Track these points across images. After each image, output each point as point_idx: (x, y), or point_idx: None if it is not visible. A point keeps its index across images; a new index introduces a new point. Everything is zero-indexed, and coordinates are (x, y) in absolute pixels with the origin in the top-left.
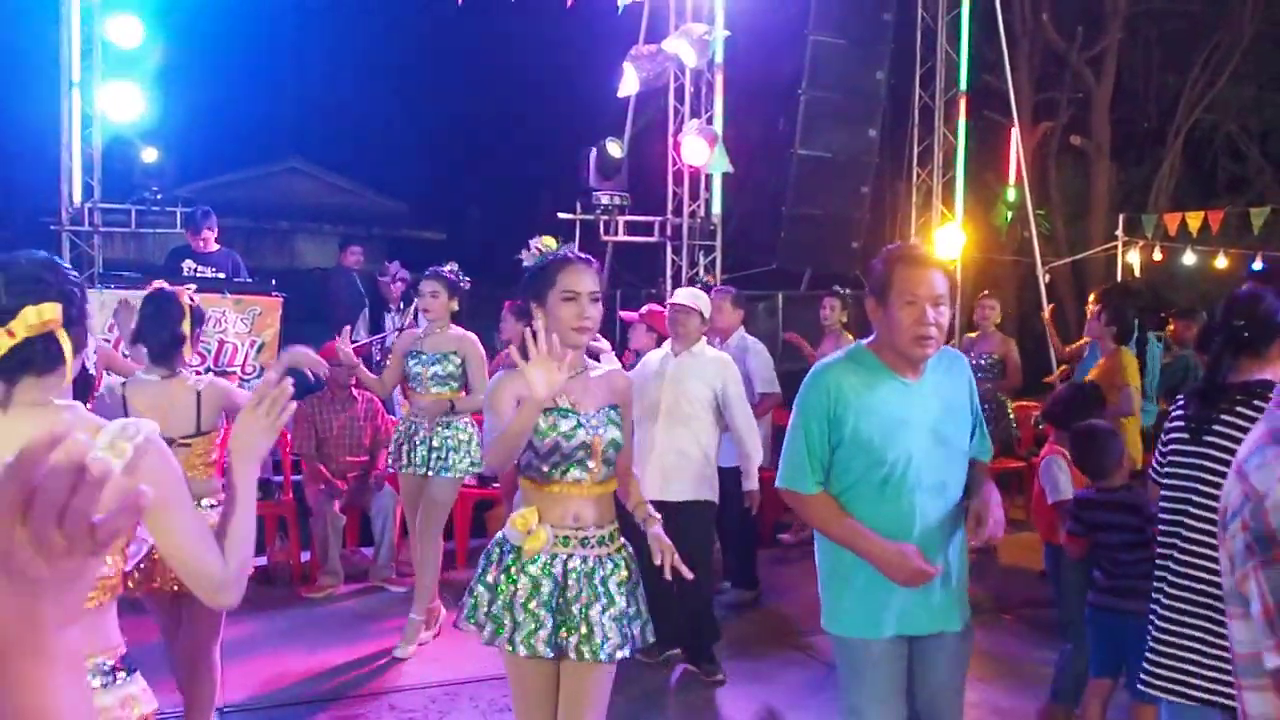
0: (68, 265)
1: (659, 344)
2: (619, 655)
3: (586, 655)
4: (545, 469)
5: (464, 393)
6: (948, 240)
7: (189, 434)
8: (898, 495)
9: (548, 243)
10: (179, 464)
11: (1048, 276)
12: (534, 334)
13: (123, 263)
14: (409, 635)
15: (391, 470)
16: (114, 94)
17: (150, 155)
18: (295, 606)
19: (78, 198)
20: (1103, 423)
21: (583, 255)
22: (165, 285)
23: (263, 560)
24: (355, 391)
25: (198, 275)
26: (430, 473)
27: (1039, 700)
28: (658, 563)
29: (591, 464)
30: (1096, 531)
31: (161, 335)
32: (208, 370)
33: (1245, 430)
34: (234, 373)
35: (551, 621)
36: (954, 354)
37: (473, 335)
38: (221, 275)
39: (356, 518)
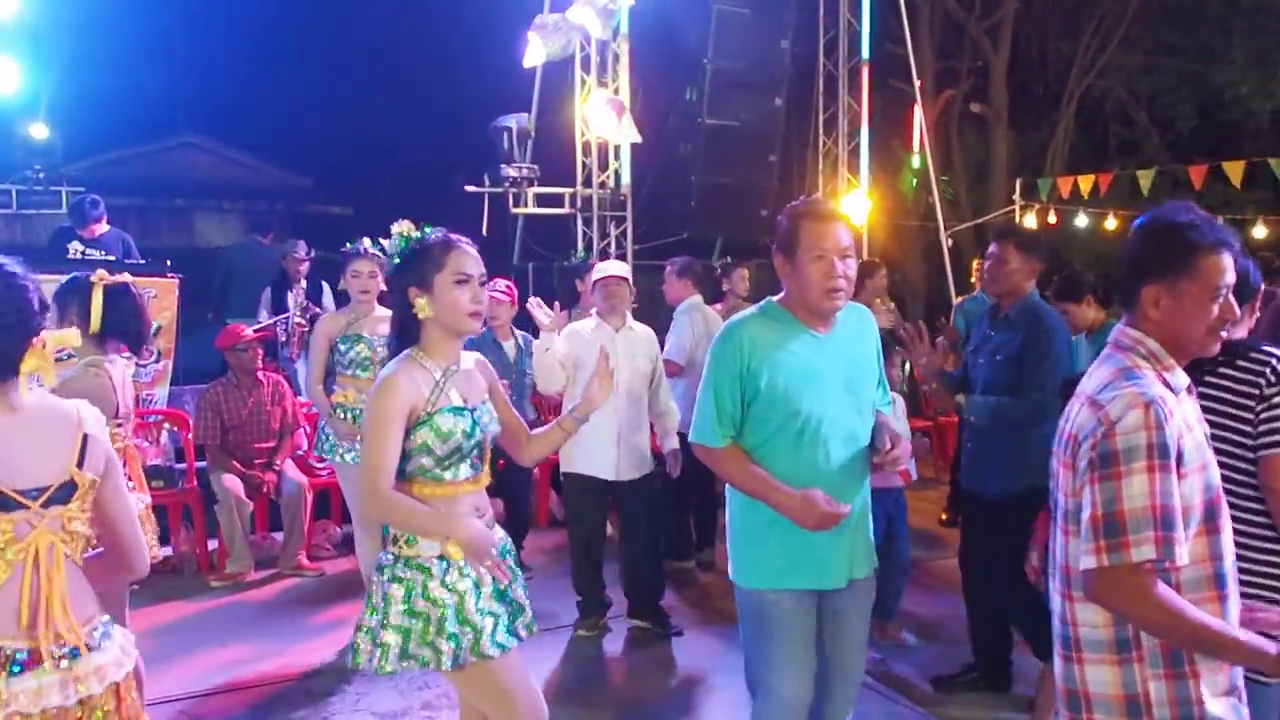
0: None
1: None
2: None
3: (526, 633)
4: (440, 472)
5: None
6: (854, 207)
7: None
8: (813, 446)
9: (408, 228)
10: None
11: (950, 240)
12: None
13: (7, 246)
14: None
15: (327, 459)
16: None
17: (36, 132)
18: (204, 595)
19: None
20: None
21: (460, 237)
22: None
23: (168, 550)
24: (261, 375)
25: (85, 258)
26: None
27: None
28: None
29: (482, 457)
30: None
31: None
32: None
33: (1234, 391)
34: (130, 357)
35: (505, 610)
36: (859, 308)
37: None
38: (112, 258)
39: (264, 504)
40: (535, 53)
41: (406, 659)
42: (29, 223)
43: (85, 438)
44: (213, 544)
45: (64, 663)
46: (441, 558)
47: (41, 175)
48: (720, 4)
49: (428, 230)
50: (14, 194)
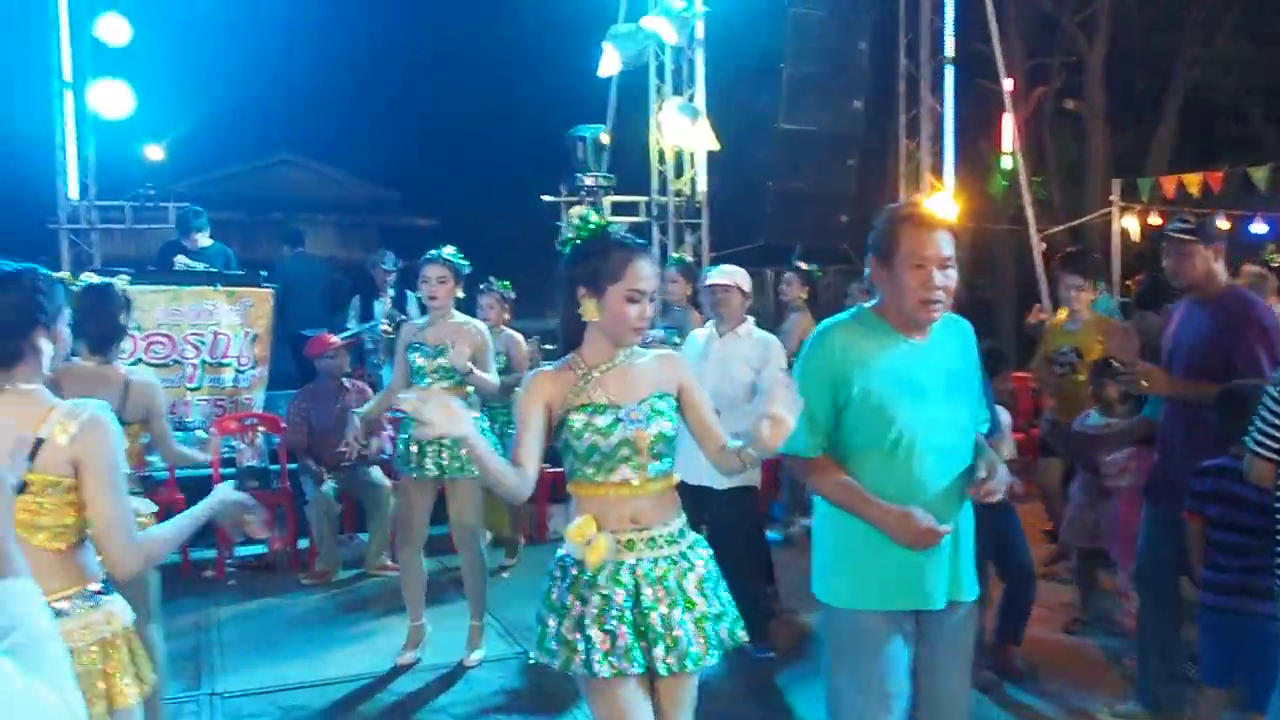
0: (41, 270)
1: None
2: (707, 661)
3: (674, 666)
4: (589, 471)
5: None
6: (939, 210)
7: None
8: (908, 458)
9: (589, 215)
10: (122, 443)
11: (1043, 244)
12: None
13: (121, 259)
14: (472, 641)
15: (400, 474)
16: (105, 93)
17: (147, 153)
18: (295, 592)
19: (74, 196)
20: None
21: (645, 243)
22: (94, 277)
23: (263, 549)
24: (347, 382)
25: (190, 269)
26: (446, 476)
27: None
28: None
29: (639, 460)
30: (1218, 506)
31: (101, 326)
32: (204, 363)
33: None
34: (229, 364)
35: (630, 635)
36: (957, 319)
37: (478, 322)
38: (215, 269)
39: (352, 506)
40: (610, 62)
41: (542, 649)
42: (141, 237)
43: (38, 440)
44: (304, 543)
45: None
46: (579, 563)
47: (152, 193)
48: (795, 7)
49: (610, 226)
50: (127, 210)
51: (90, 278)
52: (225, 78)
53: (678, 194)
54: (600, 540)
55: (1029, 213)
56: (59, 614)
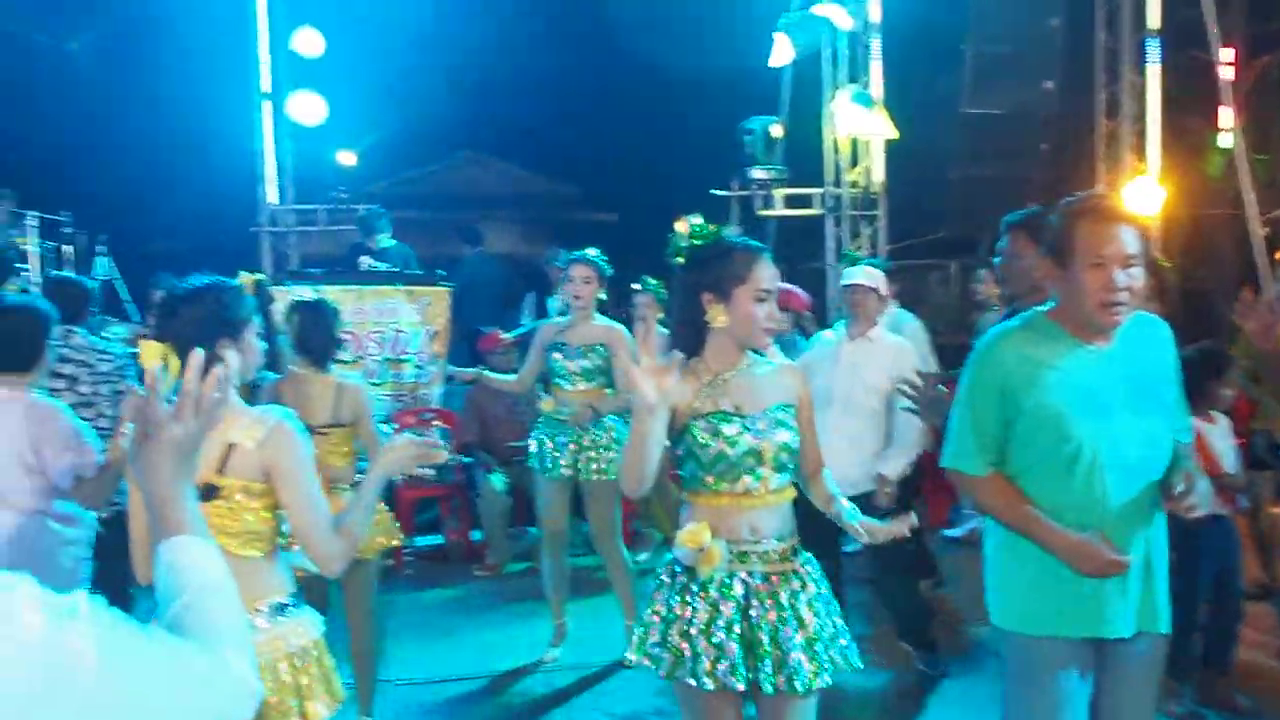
0: (228, 282)
1: (793, 324)
2: (818, 684)
3: (782, 687)
4: (711, 480)
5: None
6: (1141, 195)
7: (326, 424)
8: (1088, 475)
9: (702, 224)
10: (308, 445)
11: (1266, 230)
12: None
13: (317, 259)
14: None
15: (534, 467)
16: (301, 102)
17: (340, 158)
18: (467, 582)
19: (273, 200)
20: None
21: (764, 245)
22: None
23: (439, 539)
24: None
25: (373, 269)
26: (581, 477)
27: None
28: (865, 540)
29: (763, 471)
30: None
31: (320, 339)
32: (385, 360)
33: None
34: (409, 361)
35: (738, 650)
36: (1152, 319)
37: (621, 326)
38: (396, 269)
39: (524, 499)
40: (782, 51)
41: (643, 652)
42: (335, 238)
43: (229, 445)
44: (478, 535)
45: None
46: (689, 570)
47: (345, 195)
48: None
49: (724, 231)
50: (321, 213)
51: (304, 293)
52: (412, 83)
53: (853, 185)
54: (714, 548)
55: (1250, 196)
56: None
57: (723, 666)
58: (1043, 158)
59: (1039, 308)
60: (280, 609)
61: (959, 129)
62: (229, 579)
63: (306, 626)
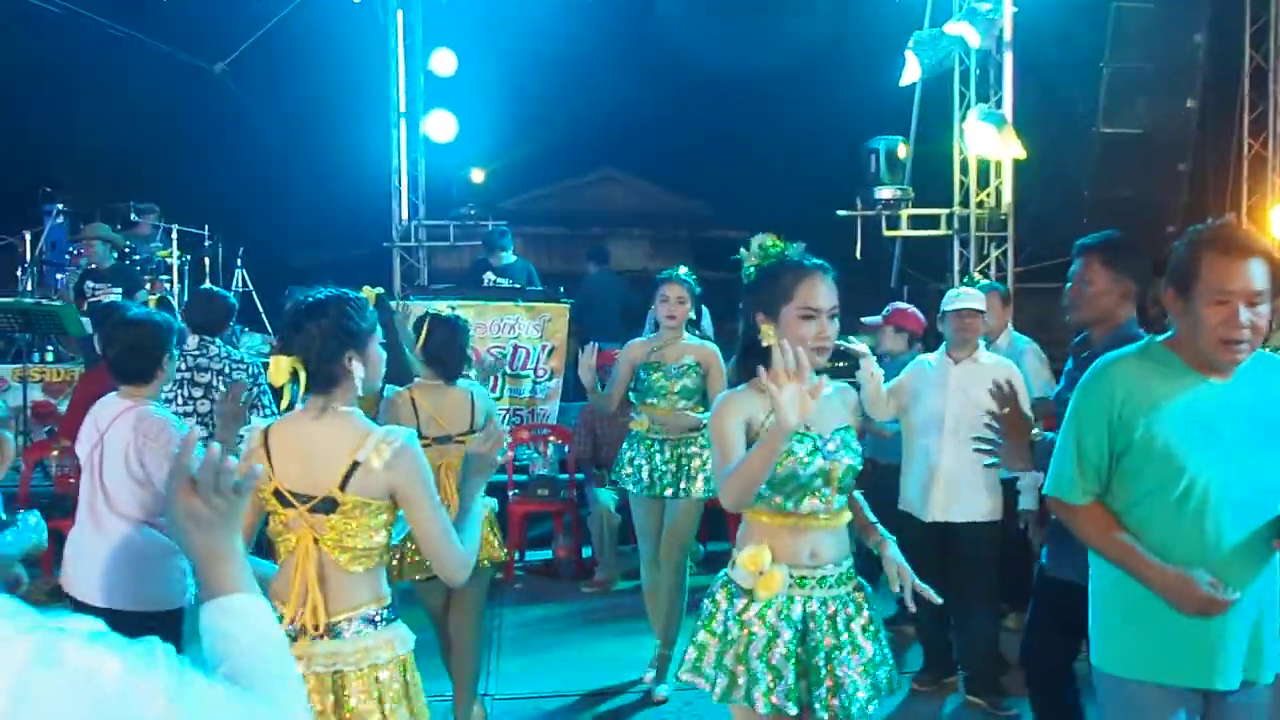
0: (351, 294)
1: (909, 345)
2: (871, 709)
3: (838, 713)
4: (778, 500)
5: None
6: None
7: (464, 432)
8: (1200, 513)
9: (771, 242)
10: (428, 463)
11: None
12: (787, 351)
13: (445, 274)
14: (658, 672)
15: (625, 489)
16: (435, 121)
17: (474, 176)
18: (574, 598)
19: (405, 217)
20: None
21: (821, 262)
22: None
23: (549, 554)
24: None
25: (495, 285)
26: (670, 495)
27: None
28: (895, 589)
29: (828, 492)
30: None
31: (454, 355)
32: (504, 374)
33: None
34: (527, 376)
35: (792, 674)
36: (1274, 358)
37: (714, 346)
38: (518, 286)
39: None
40: (912, 70)
41: (697, 672)
42: (463, 254)
43: (354, 464)
44: (588, 552)
45: (323, 639)
46: (746, 592)
47: (473, 212)
48: (1120, 0)
49: (789, 248)
50: (450, 228)
51: (441, 308)
52: (544, 102)
53: (980, 205)
54: (775, 573)
55: None
56: (337, 634)
57: (781, 689)
58: (1181, 180)
59: (1156, 337)
60: (372, 621)
61: (1093, 149)
62: (281, 633)
63: (397, 640)
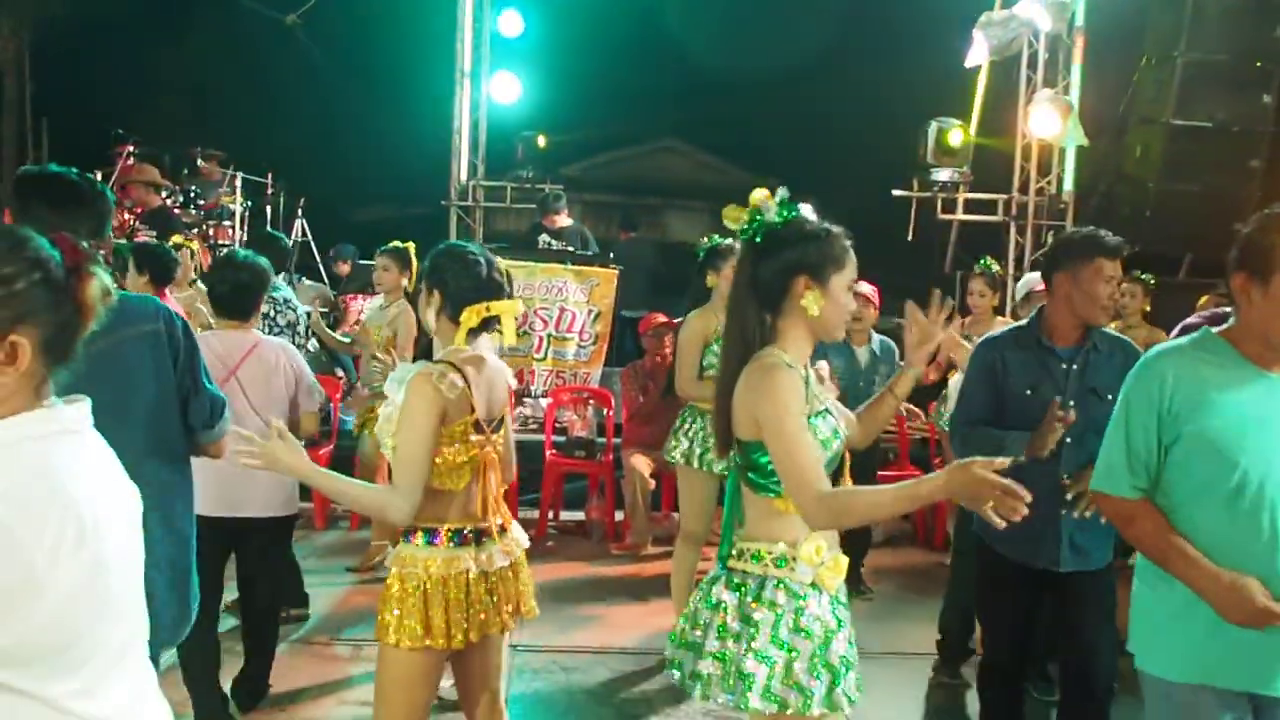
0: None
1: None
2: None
3: (850, 695)
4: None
5: None
6: None
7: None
8: (1253, 513)
9: (787, 200)
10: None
11: None
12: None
13: (501, 235)
14: None
15: (676, 461)
16: (499, 82)
17: (537, 140)
18: (604, 560)
19: (463, 177)
20: None
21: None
22: None
23: (581, 515)
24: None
25: (550, 247)
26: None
27: None
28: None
29: (843, 477)
30: None
31: None
32: (550, 336)
33: None
34: (571, 339)
35: (843, 673)
36: None
37: None
38: (571, 249)
39: (669, 483)
40: (979, 51)
41: (769, 698)
42: (519, 216)
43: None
44: (620, 515)
45: (507, 533)
46: (815, 585)
47: (530, 175)
48: None
49: (796, 210)
50: (508, 190)
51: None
52: (608, 69)
53: (1039, 193)
54: (837, 559)
55: None
56: (484, 538)
57: (843, 685)
58: (1253, 176)
59: (1210, 328)
60: (501, 530)
61: (1164, 140)
62: None
63: (519, 540)
